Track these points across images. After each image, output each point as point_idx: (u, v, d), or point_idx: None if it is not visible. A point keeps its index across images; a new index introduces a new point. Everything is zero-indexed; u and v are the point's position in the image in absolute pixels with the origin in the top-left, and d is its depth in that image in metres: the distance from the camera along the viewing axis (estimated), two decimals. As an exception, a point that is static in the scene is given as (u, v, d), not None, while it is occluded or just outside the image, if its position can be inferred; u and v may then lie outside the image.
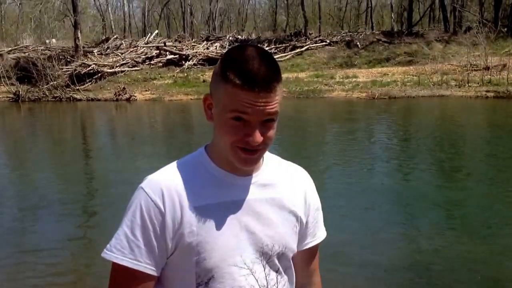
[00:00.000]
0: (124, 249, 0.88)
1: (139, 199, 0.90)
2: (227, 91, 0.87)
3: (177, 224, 0.89)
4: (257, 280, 0.93)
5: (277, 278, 0.96)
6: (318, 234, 1.05)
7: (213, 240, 0.89)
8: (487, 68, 16.93)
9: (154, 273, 0.90)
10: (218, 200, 0.91)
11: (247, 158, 0.88)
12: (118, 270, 0.89)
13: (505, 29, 21.57)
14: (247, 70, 0.85)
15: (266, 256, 0.94)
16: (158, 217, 0.88)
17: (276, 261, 0.96)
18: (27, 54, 21.39)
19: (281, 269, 0.97)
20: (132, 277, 0.89)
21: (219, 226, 0.90)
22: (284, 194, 0.97)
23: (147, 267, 0.89)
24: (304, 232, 1.01)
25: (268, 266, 0.95)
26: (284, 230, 0.96)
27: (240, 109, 0.86)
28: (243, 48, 0.89)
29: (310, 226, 1.03)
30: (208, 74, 19.38)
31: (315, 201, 1.04)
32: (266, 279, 0.94)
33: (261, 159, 0.97)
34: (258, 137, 0.86)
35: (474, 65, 17.44)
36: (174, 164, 0.95)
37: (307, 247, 1.03)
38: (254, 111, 0.85)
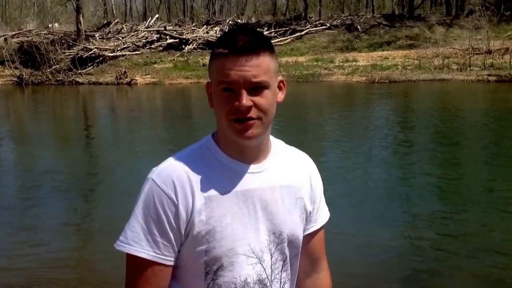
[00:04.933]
0: (142, 241, 0.89)
1: (151, 191, 0.90)
2: (215, 66, 0.89)
3: (189, 213, 0.89)
4: (264, 269, 0.94)
5: (282, 266, 0.97)
6: (320, 219, 1.05)
7: (222, 229, 0.90)
8: (489, 52, 16.80)
9: (172, 263, 0.92)
10: (227, 189, 0.91)
11: (242, 128, 0.88)
12: (136, 262, 0.90)
13: (508, 12, 21.24)
14: (229, 39, 0.89)
15: (274, 244, 0.95)
16: (171, 208, 0.89)
17: (285, 249, 0.97)
18: (30, 38, 21.56)
19: (288, 257, 0.98)
20: (151, 269, 0.90)
21: (228, 215, 0.91)
22: (291, 182, 0.98)
23: (165, 258, 0.90)
24: (308, 219, 1.02)
25: (276, 254, 0.95)
26: (292, 217, 0.97)
27: (225, 78, 0.87)
28: (230, 29, 1.02)
29: (314, 213, 1.03)
30: (207, 58, 19.34)
31: (319, 186, 1.04)
32: (271, 268, 0.95)
33: (269, 146, 0.97)
34: (245, 100, 0.86)
35: (476, 48, 17.30)
36: (182, 153, 0.95)
37: (309, 232, 1.03)
38: (238, 76, 0.86)
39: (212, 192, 0.91)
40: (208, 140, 0.96)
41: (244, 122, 0.88)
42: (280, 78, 0.95)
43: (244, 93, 0.86)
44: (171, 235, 0.90)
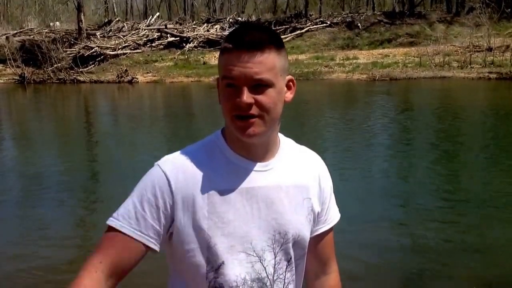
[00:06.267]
0: (131, 219, 0.89)
1: (154, 175, 0.91)
2: (221, 61, 0.89)
3: (189, 206, 0.89)
4: (265, 268, 0.93)
5: (286, 267, 0.96)
6: (329, 220, 1.03)
7: (224, 226, 0.90)
8: (490, 49, 16.81)
9: (154, 247, 0.90)
10: (232, 186, 0.91)
11: (243, 126, 0.87)
12: (117, 237, 0.89)
13: (509, 9, 21.20)
14: (236, 35, 0.88)
15: (278, 244, 0.94)
16: (169, 195, 0.89)
17: (289, 250, 0.95)
18: (32, 37, 21.60)
19: (293, 258, 0.96)
20: (128, 246, 0.89)
21: (231, 212, 0.90)
22: (299, 181, 0.96)
23: (149, 240, 0.89)
24: (317, 220, 1.01)
25: (280, 254, 0.94)
26: (298, 218, 0.95)
27: (227, 73, 0.86)
28: (241, 25, 0.96)
29: (323, 214, 1.02)
30: (208, 56, 19.49)
31: (329, 186, 1.03)
32: (274, 267, 0.94)
33: (277, 144, 0.96)
34: (246, 97, 0.85)
35: (476, 46, 17.31)
36: (191, 147, 0.95)
37: (318, 233, 1.02)
38: (240, 72, 0.85)
39: (217, 188, 0.90)
40: (217, 136, 0.95)
41: (245, 120, 0.87)
42: (289, 77, 0.93)
43: (245, 90, 0.86)
44: (163, 220, 0.89)
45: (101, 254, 0.89)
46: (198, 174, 0.90)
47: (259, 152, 0.93)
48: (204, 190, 0.90)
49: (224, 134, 0.95)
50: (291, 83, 0.94)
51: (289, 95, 0.93)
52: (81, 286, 0.87)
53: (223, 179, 0.91)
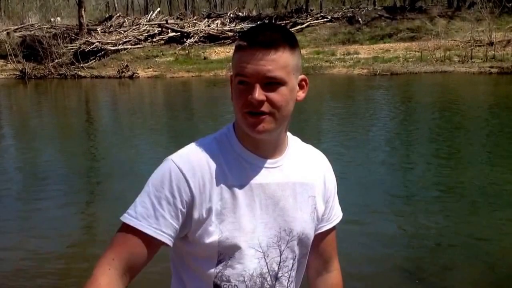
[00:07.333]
0: (150, 218, 0.89)
1: (169, 170, 0.90)
2: (234, 59, 0.91)
3: (205, 201, 0.90)
4: (267, 264, 0.94)
5: (292, 264, 0.97)
6: (332, 218, 1.05)
7: (235, 221, 0.91)
8: (491, 44, 16.78)
9: (170, 243, 0.91)
10: (242, 182, 0.92)
11: (253, 122, 0.88)
12: (133, 235, 0.89)
13: (510, 4, 21.12)
14: (250, 32, 0.90)
15: (284, 242, 0.95)
16: (186, 191, 0.89)
17: (295, 248, 0.97)
18: (33, 32, 21.61)
19: (297, 255, 0.98)
20: (144, 243, 0.89)
21: (241, 208, 0.92)
22: (305, 179, 0.98)
23: (168, 238, 0.90)
24: (320, 218, 1.02)
25: (286, 252, 0.96)
26: (302, 215, 0.97)
27: (241, 70, 0.88)
28: (257, 24, 1.00)
29: (326, 212, 1.04)
30: (209, 51, 19.47)
31: (333, 185, 1.05)
32: (279, 264, 0.95)
33: (285, 142, 0.98)
34: (258, 94, 0.86)
35: (477, 40, 17.28)
36: (204, 140, 0.96)
37: (320, 231, 1.03)
38: (253, 70, 0.86)
39: (228, 183, 0.92)
40: (229, 130, 0.97)
41: (256, 116, 0.88)
42: (302, 76, 0.94)
43: (258, 87, 0.87)
44: (180, 217, 0.90)
45: (115, 250, 0.89)
46: (213, 169, 0.91)
47: (267, 149, 0.94)
48: (218, 184, 0.91)
49: (235, 129, 0.96)
50: (303, 83, 0.95)
51: (301, 94, 0.95)
52: (97, 285, 0.86)
53: (234, 174, 0.92)
